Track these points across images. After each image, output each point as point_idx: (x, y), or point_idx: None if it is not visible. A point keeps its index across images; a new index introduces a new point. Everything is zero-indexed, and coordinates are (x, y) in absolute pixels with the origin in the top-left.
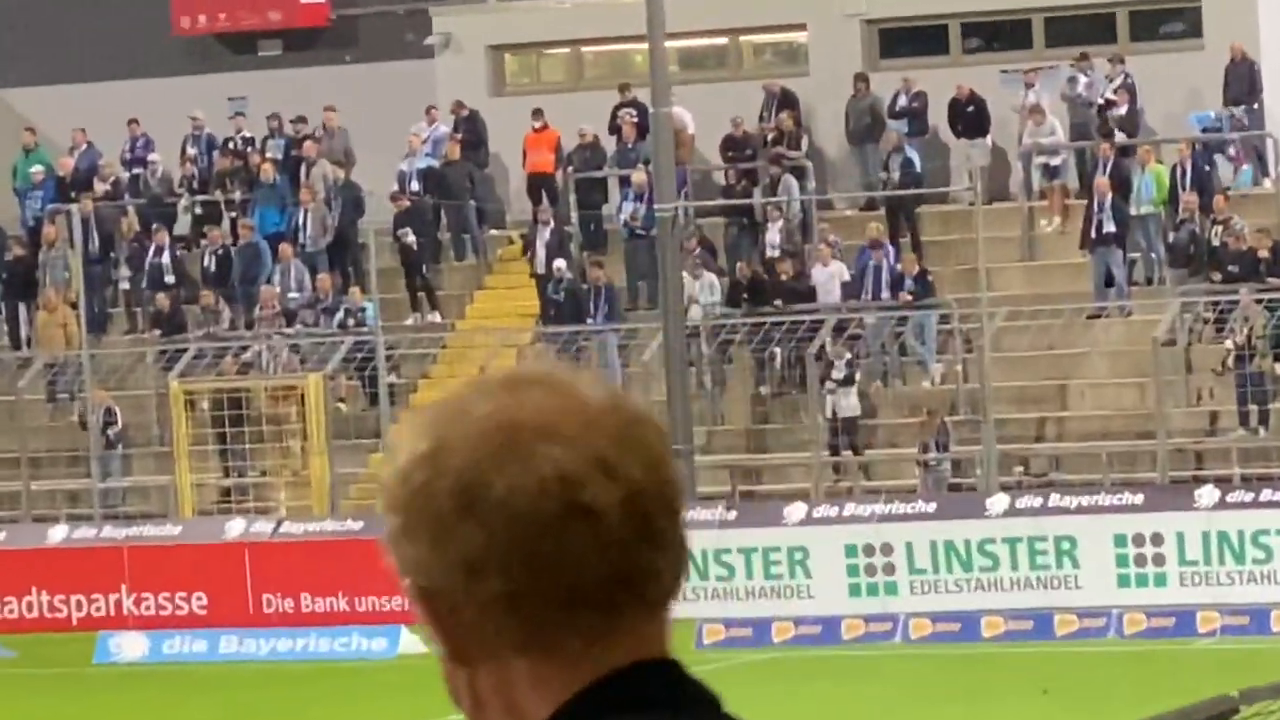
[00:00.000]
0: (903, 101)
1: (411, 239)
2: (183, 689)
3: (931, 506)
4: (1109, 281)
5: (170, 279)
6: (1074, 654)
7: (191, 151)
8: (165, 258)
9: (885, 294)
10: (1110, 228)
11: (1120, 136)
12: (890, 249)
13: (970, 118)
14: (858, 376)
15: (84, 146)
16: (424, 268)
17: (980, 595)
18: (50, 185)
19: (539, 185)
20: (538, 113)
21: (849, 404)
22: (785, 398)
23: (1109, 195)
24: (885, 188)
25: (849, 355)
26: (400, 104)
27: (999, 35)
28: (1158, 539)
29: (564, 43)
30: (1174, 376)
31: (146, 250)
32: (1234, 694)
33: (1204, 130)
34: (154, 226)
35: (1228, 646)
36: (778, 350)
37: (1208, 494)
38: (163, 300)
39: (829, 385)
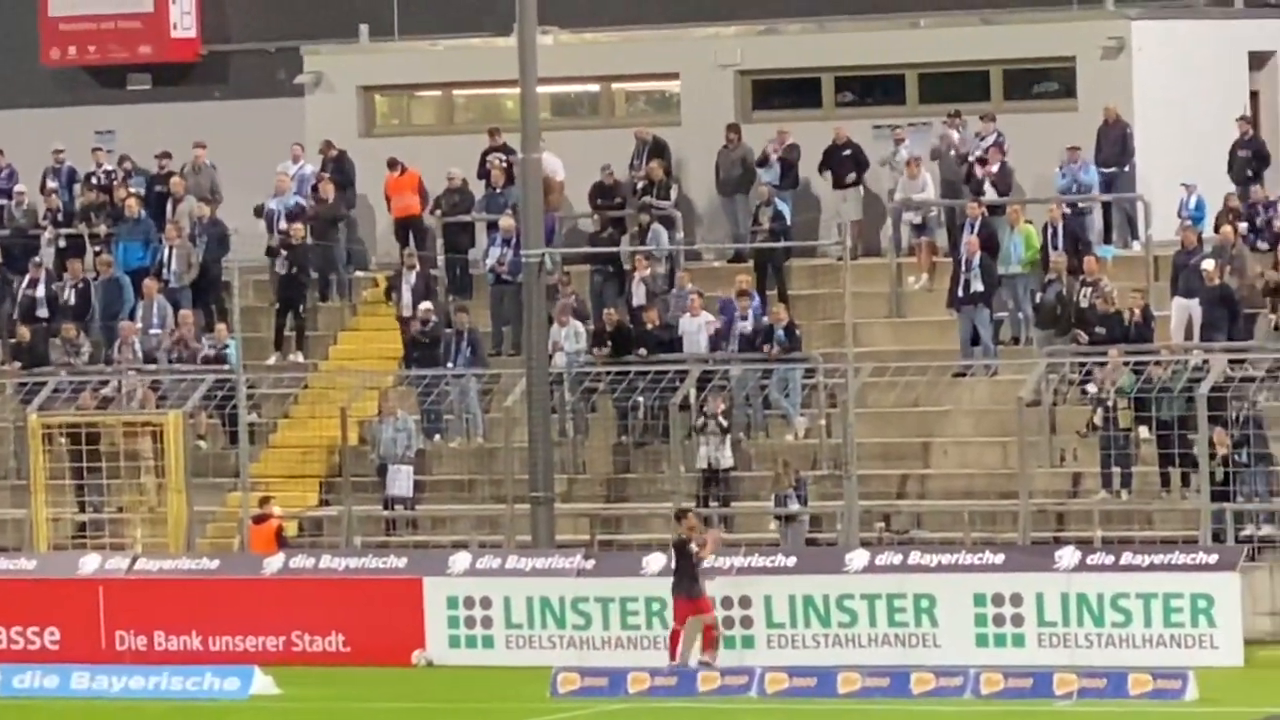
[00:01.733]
0: (774, 153)
1: (285, 268)
2: None
3: (791, 561)
4: (975, 340)
5: (44, 312)
6: (930, 712)
7: (51, 184)
8: (39, 290)
9: (751, 345)
10: (978, 286)
11: (991, 194)
12: (757, 301)
13: (845, 165)
14: (727, 426)
15: None
16: (301, 306)
17: (838, 651)
18: None
19: (407, 228)
20: (393, 163)
21: (724, 456)
22: (647, 447)
23: (978, 254)
24: (754, 239)
25: (723, 406)
26: (269, 142)
27: (872, 90)
28: (1017, 599)
29: (435, 85)
30: (1038, 437)
31: (10, 282)
32: None
33: (1076, 190)
34: (35, 259)
35: (1084, 709)
36: (641, 399)
37: (1068, 555)
38: (24, 332)
39: (705, 435)
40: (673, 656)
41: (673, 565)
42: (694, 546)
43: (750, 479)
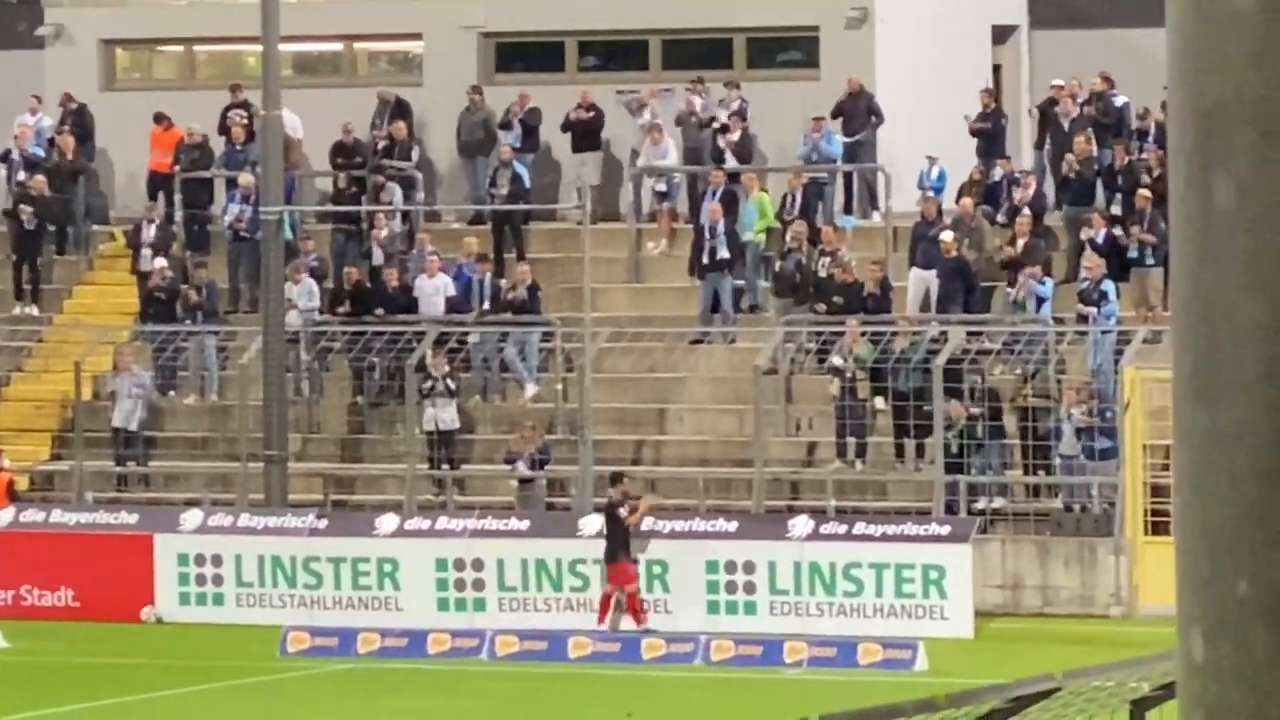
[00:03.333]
0: (516, 116)
1: (29, 219)
2: None
3: (524, 524)
4: (714, 308)
5: None
6: (660, 678)
7: None
8: None
9: (489, 308)
10: (723, 254)
11: (733, 162)
12: (492, 264)
13: (585, 130)
14: (454, 388)
15: None
16: (38, 258)
17: (569, 615)
18: None
19: (158, 184)
20: (160, 117)
21: (448, 417)
22: (383, 408)
23: (721, 221)
24: (494, 202)
25: (448, 368)
26: (9, 94)
27: (615, 55)
28: (749, 567)
29: (177, 40)
30: (774, 405)
31: None
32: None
33: (818, 160)
34: None
35: (814, 677)
36: (377, 360)
37: (801, 524)
38: None
39: (434, 397)
40: (601, 620)
41: (603, 531)
42: (623, 511)
43: (484, 442)
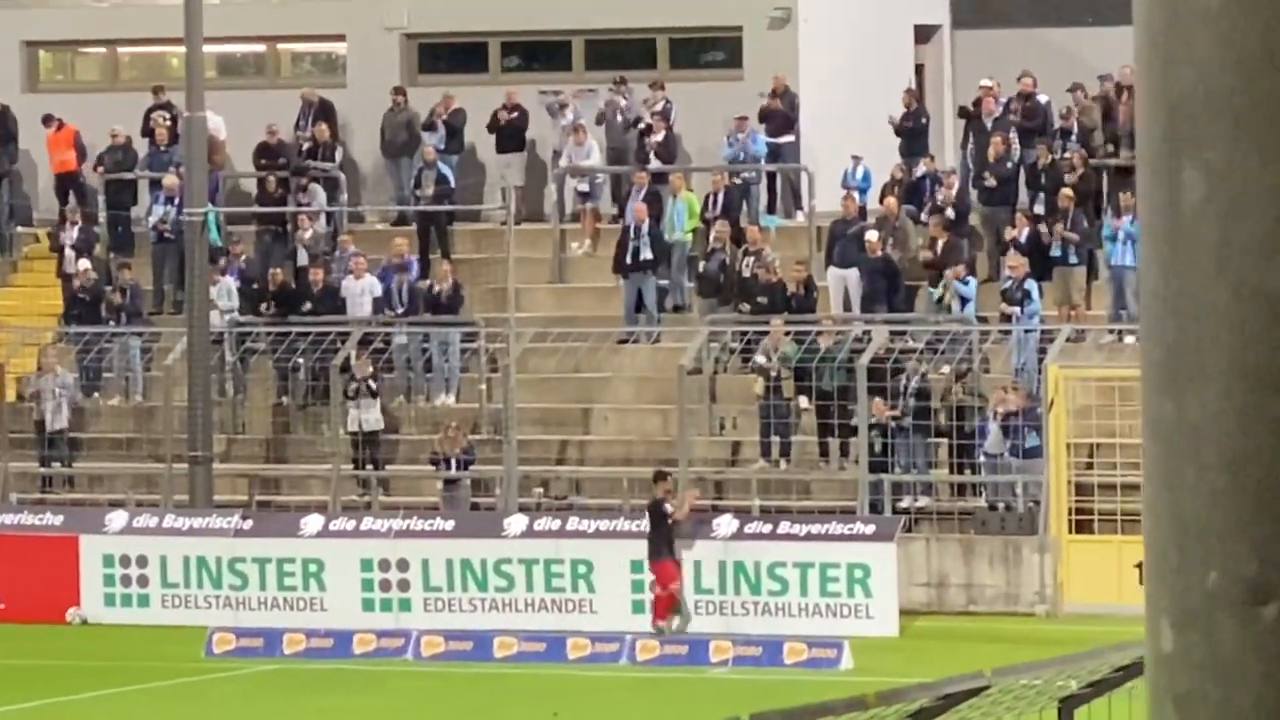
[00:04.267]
0: (440, 117)
1: None
2: None
3: (449, 524)
4: (639, 308)
5: None
6: (586, 678)
7: None
8: None
9: (413, 309)
10: (647, 254)
11: (656, 163)
12: (416, 264)
13: (510, 131)
14: (375, 389)
15: None
16: None
17: (495, 615)
18: None
19: (66, 184)
20: (48, 119)
21: (372, 418)
22: (308, 409)
23: (645, 221)
24: (418, 203)
25: (371, 369)
26: None
27: (539, 55)
28: None
29: (99, 42)
30: (698, 405)
31: None
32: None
33: (743, 160)
34: None
35: (739, 677)
36: (302, 361)
37: (726, 524)
38: None
39: (357, 399)
40: (658, 619)
41: (647, 529)
42: (669, 508)
43: (408, 442)
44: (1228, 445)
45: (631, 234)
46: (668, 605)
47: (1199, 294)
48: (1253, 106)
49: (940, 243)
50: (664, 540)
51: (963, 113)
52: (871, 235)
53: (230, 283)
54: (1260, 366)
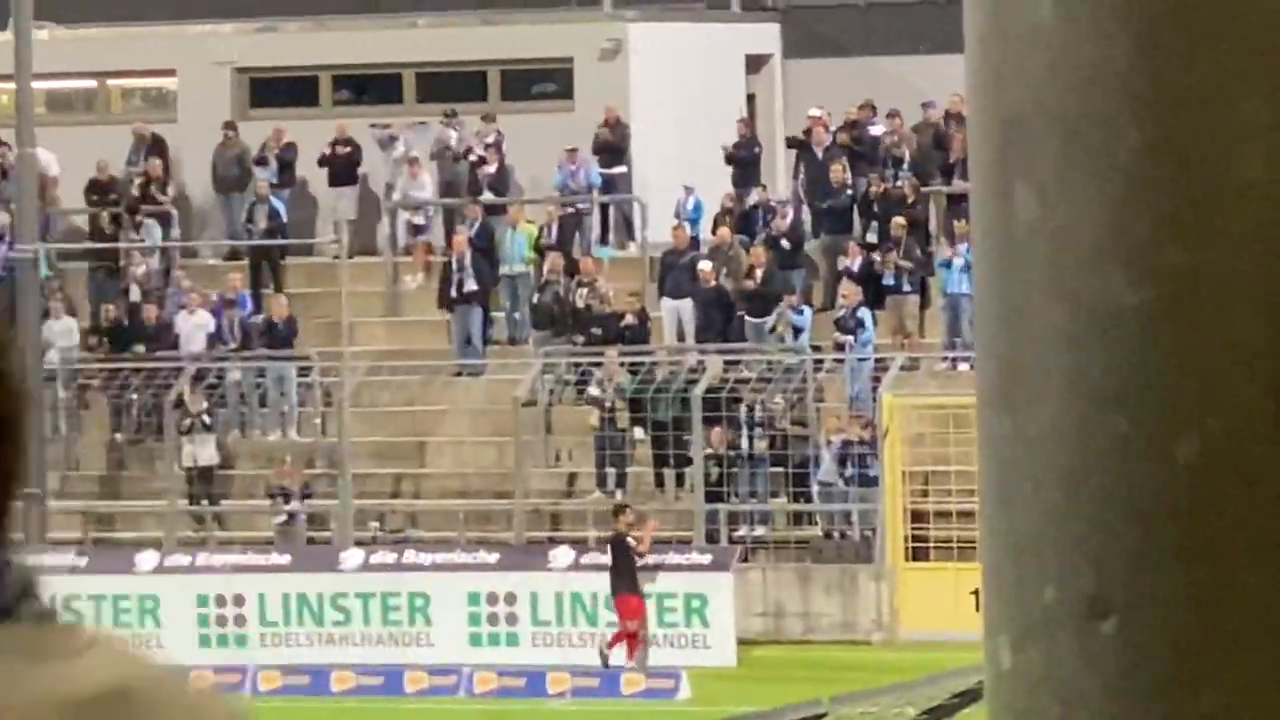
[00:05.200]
0: (271, 152)
1: None
2: None
3: (285, 559)
4: (469, 340)
5: None
6: (424, 710)
7: None
8: None
9: (247, 343)
10: (471, 286)
11: (489, 194)
12: (250, 299)
13: (342, 165)
14: (210, 424)
15: None
16: None
17: (331, 649)
18: None
19: None
20: None
21: (207, 453)
22: (142, 445)
23: (469, 253)
24: (251, 237)
25: (205, 404)
26: None
27: (370, 89)
28: (511, 598)
29: None
30: (533, 437)
31: None
32: None
33: (575, 191)
34: None
35: (577, 708)
36: (135, 397)
37: (563, 555)
38: None
39: (192, 434)
40: (630, 657)
41: (610, 563)
42: (632, 541)
43: (243, 477)
44: (1065, 460)
45: (455, 266)
46: (634, 642)
47: (1034, 310)
48: (1084, 123)
49: (759, 271)
50: (628, 574)
51: (791, 142)
52: (705, 265)
53: (71, 321)
54: (1097, 380)
